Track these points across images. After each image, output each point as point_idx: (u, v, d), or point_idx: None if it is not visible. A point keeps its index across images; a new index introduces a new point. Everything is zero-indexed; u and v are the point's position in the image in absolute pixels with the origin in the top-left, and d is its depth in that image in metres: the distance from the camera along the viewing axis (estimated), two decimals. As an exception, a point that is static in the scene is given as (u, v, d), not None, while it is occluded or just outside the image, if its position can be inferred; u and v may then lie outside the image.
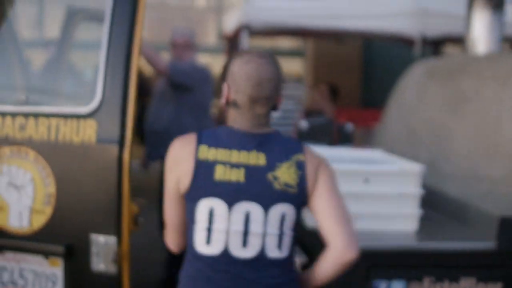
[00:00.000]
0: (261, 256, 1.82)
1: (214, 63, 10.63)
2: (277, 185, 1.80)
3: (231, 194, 1.80)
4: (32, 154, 2.58)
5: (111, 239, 2.47)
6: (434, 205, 3.00)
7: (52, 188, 2.55)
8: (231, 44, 7.21)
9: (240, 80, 1.80)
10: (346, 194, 1.96)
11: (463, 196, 2.96)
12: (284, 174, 1.81)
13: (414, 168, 2.70)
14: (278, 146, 1.85)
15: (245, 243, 1.81)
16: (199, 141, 1.83)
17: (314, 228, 2.19)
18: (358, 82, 9.60)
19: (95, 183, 2.48)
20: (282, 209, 1.82)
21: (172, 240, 1.98)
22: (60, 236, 2.54)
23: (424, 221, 2.72)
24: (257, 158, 1.81)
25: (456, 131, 3.37)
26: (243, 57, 1.82)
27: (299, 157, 1.84)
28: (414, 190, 2.66)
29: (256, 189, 1.80)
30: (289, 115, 7.39)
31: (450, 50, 7.39)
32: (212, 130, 1.89)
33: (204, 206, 1.82)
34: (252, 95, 1.79)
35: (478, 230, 2.69)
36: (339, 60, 9.18)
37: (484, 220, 2.65)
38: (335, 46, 8.58)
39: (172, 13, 11.14)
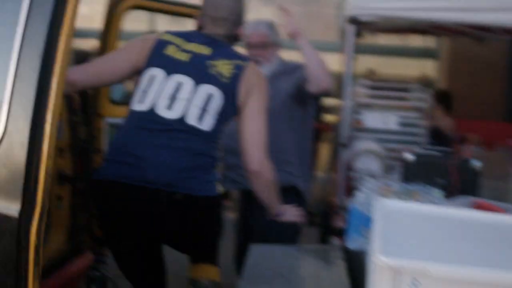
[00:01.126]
0: (181, 120, 2.19)
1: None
2: (212, 71, 2.27)
3: (172, 67, 2.27)
4: None
5: None
6: None
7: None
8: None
9: (204, 6, 2.45)
10: None
11: None
12: (221, 66, 2.30)
13: None
14: (227, 50, 2.40)
15: (170, 106, 2.21)
16: (167, 32, 2.41)
17: (359, 251, 2.18)
18: (502, 90, 7.94)
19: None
20: (210, 90, 2.26)
21: (78, 73, 2.30)
22: None
23: None
24: (204, 50, 2.34)
25: None
26: None
27: (240, 62, 2.36)
28: None
29: (193, 68, 2.28)
30: (411, 131, 5.95)
31: None
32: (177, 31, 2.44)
33: (148, 74, 2.30)
34: (210, 15, 2.41)
35: None
36: (479, 63, 7.60)
37: None
38: (474, 46, 7.02)
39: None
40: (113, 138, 2.34)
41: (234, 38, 2.49)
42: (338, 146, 5.08)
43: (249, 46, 3.38)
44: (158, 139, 2.18)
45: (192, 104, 2.22)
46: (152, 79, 2.28)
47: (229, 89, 2.29)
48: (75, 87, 2.34)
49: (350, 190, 4.86)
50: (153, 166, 2.14)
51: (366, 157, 5.32)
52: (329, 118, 8.24)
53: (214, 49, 2.34)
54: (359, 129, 5.84)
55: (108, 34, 3.26)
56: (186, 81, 2.25)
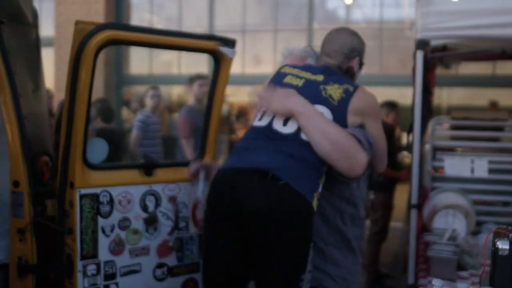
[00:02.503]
0: (295, 134, 2.42)
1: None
2: (323, 94, 2.47)
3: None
4: None
5: None
6: None
7: None
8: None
9: (322, 44, 2.69)
10: None
11: None
12: (332, 90, 2.48)
13: None
14: (338, 77, 2.55)
15: (285, 123, 2.44)
16: (286, 65, 2.69)
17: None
18: None
19: None
20: (321, 109, 2.44)
21: None
22: None
23: None
24: (317, 77, 2.54)
25: None
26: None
27: (349, 87, 2.50)
28: None
29: (306, 92, 2.48)
30: (506, 179, 4.71)
31: None
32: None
33: None
34: (324, 50, 2.65)
35: None
36: None
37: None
38: None
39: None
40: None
41: (347, 70, 2.64)
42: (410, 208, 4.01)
43: None
44: (272, 144, 2.43)
45: None
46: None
47: (338, 110, 2.46)
48: None
49: (425, 260, 3.81)
50: (264, 160, 2.38)
51: (448, 214, 4.24)
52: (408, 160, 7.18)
53: (326, 76, 2.54)
54: (439, 178, 4.76)
55: (78, 78, 2.48)
56: None
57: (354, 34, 2.68)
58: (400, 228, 6.84)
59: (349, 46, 2.62)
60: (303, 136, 2.41)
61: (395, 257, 6.74)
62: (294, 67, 2.64)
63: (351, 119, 2.48)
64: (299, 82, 2.54)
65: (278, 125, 2.47)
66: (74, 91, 2.50)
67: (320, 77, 2.54)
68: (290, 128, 2.45)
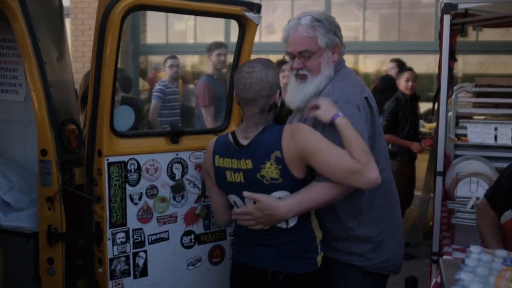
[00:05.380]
0: (274, 228, 2.42)
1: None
2: (265, 181, 2.37)
3: (240, 191, 2.44)
4: None
5: None
6: None
7: None
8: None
9: (235, 86, 2.47)
10: None
11: None
12: (268, 173, 2.36)
13: None
14: (261, 149, 2.38)
15: None
16: (214, 152, 2.52)
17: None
18: None
19: None
20: (278, 195, 2.38)
21: (219, 217, 2.69)
22: None
23: None
24: (247, 163, 2.41)
25: None
26: (239, 68, 2.48)
27: (277, 154, 2.34)
28: None
29: (253, 186, 2.40)
30: None
31: None
32: (219, 140, 2.54)
33: (229, 198, 2.55)
34: (242, 97, 2.44)
35: None
36: None
37: None
38: None
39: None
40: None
41: (270, 108, 2.48)
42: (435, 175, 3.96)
43: (290, 56, 2.56)
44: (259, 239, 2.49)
45: None
46: (235, 202, 2.53)
47: (287, 182, 2.36)
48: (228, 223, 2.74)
49: (449, 228, 3.79)
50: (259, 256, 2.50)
51: (471, 182, 4.20)
52: (429, 126, 7.11)
53: (253, 157, 2.40)
54: (462, 146, 4.70)
55: (104, 44, 2.44)
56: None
57: (265, 65, 2.42)
58: (419, 196, 6.82)
59: (266, 86, 2.40)
60: (279, 224, 2.43)
61: (413, 225, 6.73)
62: (221, 155, 2.48)
63: (299, 170, 2.34)
64: (241, 178, 2.43)
65: None
66: (100, 58, 2.47)
67: (248, 163, 2.40)
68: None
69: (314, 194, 2.34)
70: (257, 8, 2.89)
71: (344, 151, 2.26)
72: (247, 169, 2.41)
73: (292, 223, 2.42)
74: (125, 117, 2.70)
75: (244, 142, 2.45)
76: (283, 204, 2.35)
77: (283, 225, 2.42)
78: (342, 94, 2.43)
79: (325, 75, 2.49)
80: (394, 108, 5.98)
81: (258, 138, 2.41)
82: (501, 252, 1.86)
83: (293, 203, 2.35)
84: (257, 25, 2.91)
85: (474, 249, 1.87)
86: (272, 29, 9.44)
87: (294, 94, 2.54)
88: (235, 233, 2.66)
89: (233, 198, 2.52)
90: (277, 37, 9.40)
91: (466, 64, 8.98)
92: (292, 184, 2.37)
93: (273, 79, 2.43)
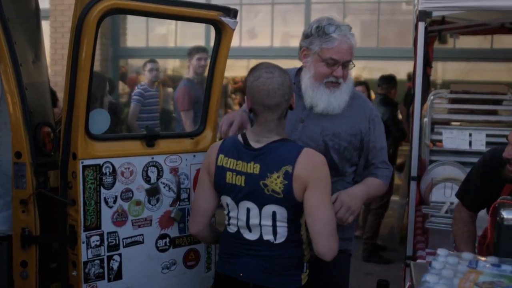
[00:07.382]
0: (261, 239, 2.42)
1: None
2: (266, 191, 2.34)
3: (236, 194, 2.42)
4: None
5: None
6: None
7: None
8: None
9: (255, 93, 2.35)
10: None
11: None
12: (272, 183, 2.33)
13: None
14: (273, 157, 2.35)
15: (250, 229, 2.44)
16: (219, 151, 2.47)
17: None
18: None
19: None
20: (273, 209, 2.37)
21: (196, 220, 2.60)
22: None
23: None
24: (253, 167, 2.37)
25: None
26: (254, 74, 2.37)
27: (288, 168, 2.31)
28: None
29: (251, 192, 2.39)
30: None
31: None
32: (228, 140, 2.50)
33: (223, 199, 2.51)
34: (264, 104, 2.33)
35: None
36: None
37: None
38: None
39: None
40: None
41: (286, 113, 2.45)
42: (409, 181, 4.01)
43: (333, 63, 2.60)
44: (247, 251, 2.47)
45: (263, 225, 2.41)
46: (227, 205, 2.50)
47: (286, 201, 2.35)
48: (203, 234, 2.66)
49: (423, 232, 3.84)
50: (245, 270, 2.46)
51: (445, 187, 4.27)
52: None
53: (261, 163, 2.37)
54: (437, 151, 4.77)
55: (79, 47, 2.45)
56: (252, 207, 2.41)
57: (280, 69, 2.39)
58: (396, 201, 6.90)
59: (287, 90, 2.36)
60: (266, 237, 2.43)
61: (390, 229, 6.80)
62: (227, 154, 2.43)
63: (299, 194, 2.32)
64: (242, 181, 2.39)
65: (246, 233, 2.47)
66: (76, 61, 2.48)
67: (256, 168, 2.36)
68: (254, 234, 2.46)
69: (376, 186, 2.73)
70: (233, 13, 2.91)
71: (334, 217, 2.40)
72: (251, 174, 2.37)
73: (280, 239, 2.39)
74: (100, 120, 2.71)
75: (255, 145, 2.40)
76: (357, 190, 2.66)
77: (270, 238, 2.40)
78: (372, 106, 2.84)
79: (351, 81, 2.70)
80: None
81: (273, 146, 2.37)
82: (467, 255, 1.90)
83: (363, 191, 2.67)
84: (233, 30, 2.93)
85: (441, 252, 1.91)
86: (253, 34, 9.48)
87: (327, 100, 2.62)
88: (221, 241, 2.59)
89: (226, 199, 2.47)
90: (258, 42, 9.51)
91: (446, 71, 9.11)
92: (289, 203, 2.34)
93: (290, 81, 2.40)
